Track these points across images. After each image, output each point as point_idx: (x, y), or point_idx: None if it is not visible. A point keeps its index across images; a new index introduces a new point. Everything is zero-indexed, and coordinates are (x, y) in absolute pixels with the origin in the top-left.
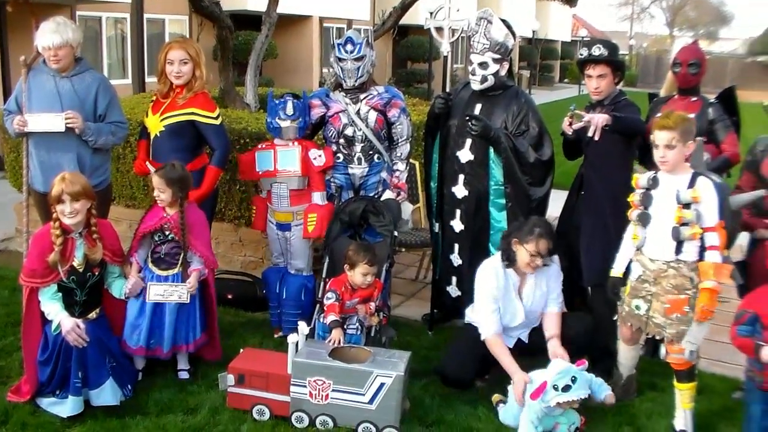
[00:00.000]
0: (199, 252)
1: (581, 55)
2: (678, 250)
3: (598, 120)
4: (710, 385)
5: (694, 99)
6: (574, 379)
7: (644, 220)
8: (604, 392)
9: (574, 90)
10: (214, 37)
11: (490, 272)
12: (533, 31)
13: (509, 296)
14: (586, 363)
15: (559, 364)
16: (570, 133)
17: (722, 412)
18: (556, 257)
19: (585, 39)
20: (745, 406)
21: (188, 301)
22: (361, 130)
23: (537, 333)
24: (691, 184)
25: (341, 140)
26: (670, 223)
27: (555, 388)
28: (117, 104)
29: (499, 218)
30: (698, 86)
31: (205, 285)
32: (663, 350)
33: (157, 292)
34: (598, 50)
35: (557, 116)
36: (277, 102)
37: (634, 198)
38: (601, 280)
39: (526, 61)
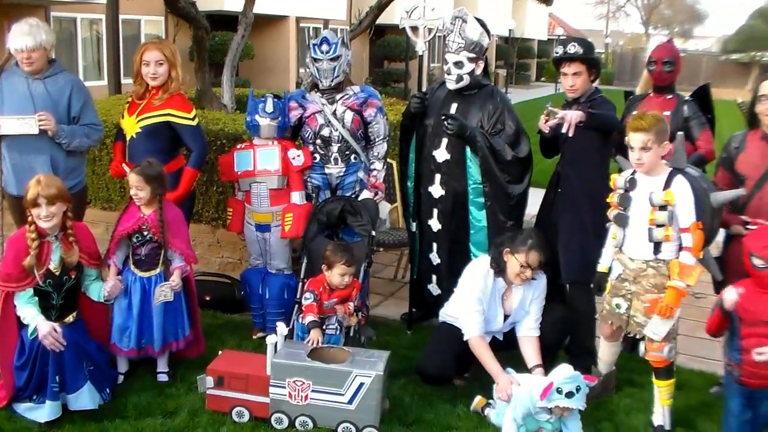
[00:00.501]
0: (179, 249)
1: (557, 53)
2: (657, 250)
3: (572, 116)
4: (688, 380)
5: (670, 97)
6: (578, 389)
7: (622, 221)
8: None
9: (550, 88)
10: (190, 37)
11: (478, 273)
12: (510, 30)
13: (493, 301)
14: (597, 380)
15: (567, 369)
16: (546, 131)
17: (700, 407)
18: (543, 277)
19: (561, 37)
20: (723, 401)
21: (172, 299)
22: (337, 130)
23: (512, 330)
24: (667, 185)
25: (318, 141)
26: (647, 224)
27: (558, 391)
28: (91, 106)
29: (479, 217)
30: (673, 84)
31: (186, 281)
32: (642, 347)
33: (158, 295)
34: (573, 48)
35: (534, 114)
36: (257, 100)
37: (613, 198)
38: (580, 277)
39: (502, 59)
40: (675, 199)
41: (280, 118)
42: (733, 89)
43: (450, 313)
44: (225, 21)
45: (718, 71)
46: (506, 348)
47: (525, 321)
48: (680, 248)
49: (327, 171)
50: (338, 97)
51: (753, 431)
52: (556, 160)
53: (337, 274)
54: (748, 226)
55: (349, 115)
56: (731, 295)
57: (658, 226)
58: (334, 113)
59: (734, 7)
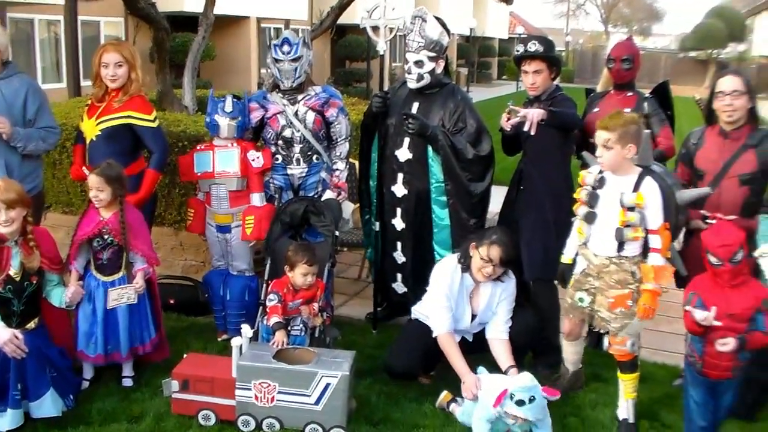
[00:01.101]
0: (141, 251)
1: (517, 51)
2: (620, 248)
3: (534, 114)
4: (652, 373)
5: (630, 94)
6: (532, 399)
7: (590, 219)
8: None
9: (512, 87)
10: (150, 39)
11: (447, 270)
12: (470, 29)
13: (460, 299)
14: (558, 396)
15: (526, 379)
16: (508, 129)
17: (664, 399)
18: (512, 281)
19: (522, 36)
20: (685, 393)
21: (136, 301)
22: (299, 131)
23: (482, 333)
24: (637, 187)
25: (280, 141)
26: (614, 223)
27: (511, 397)
28: (47, 109)
29: (442, 216)
30: (633, 81)
31: (149, 283)
32: (606, 342)
33: (113, 298)
34: (533, 46)
35: (496, 113)
36: (217, 100)
37: (581, 195)
38: (542, 275)
39: (464, 58)
40: (645, 201)
41: (240, 118)
42: (691, 86)
43: (421, 310)
44: (186, 22)
45: (677, 68)
46: (475, 351)
47: (494, 323)
48: (645, 247)
49: (289, 172)
50: (300, 97)
51: (714, 421)
52: (518, 157)
53: (299, 274)
54: (708, 221)
55: (310, 116)
56: (702, 315)
57: (628, 226)
58: (295, 114)
59: (691, 6)
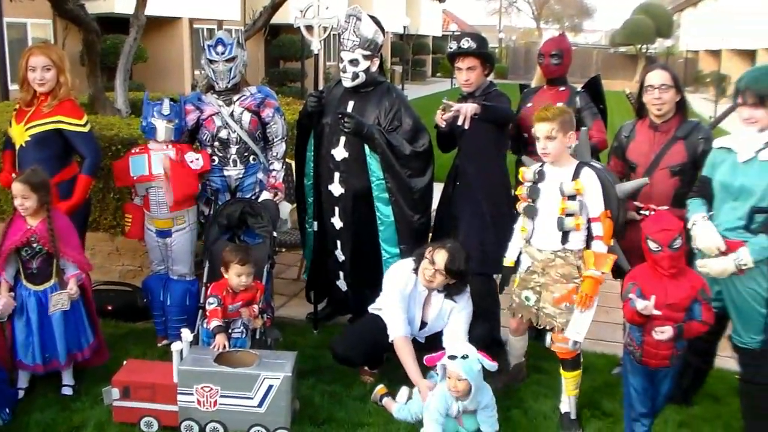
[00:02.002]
0: (71, 257)
1: (451, 48)
2: (564, 240)
3: (467, 109)
4: (591, 363)
5: (562, 89)
6: (465, 356)
7: (531, 212)
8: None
9: (446, 84)
10: (80, 41)
11: (401, 272)
12: (404, 27)
13: (413, 303)
14: (496, 365)
15: (464, 344)
16: (443, 126)
17: (604, 388)
18: (465, 299)
19: (455, 33)
20: (624, 381)
21: (68, 307)
22: (235, 132)
23: (435, 336)
24: (575, 176)
25: (216, 143)
26: (556, 215)
27: (450, 357)
28: None
29: (386, 213)
30: (564, 76)
31: (83, 289)
32: (548, 338)
33: (52, 303)
34: (466, 43)
35: (431, 110)
36: (152, 103)
37: (522, 191)
38: (480, 269)
39: (398, 56)
40: (584, 188)
41: (176, 121)
42: (622, 80)
43: (376, 309)
44: (116, 23)
45: (608, 63)
46: (425, 351)
47: (453, 337)
48: (589, 238)
49: (226, 173)
50: (235, 98)
51: (653, 408)
52: (454, 154)
53: (233, 275)
54: (641, 212)
55: (246, 116)
56: (642, 304)
57: (569, 215)
58: (231, 115)
59: (620, 2)
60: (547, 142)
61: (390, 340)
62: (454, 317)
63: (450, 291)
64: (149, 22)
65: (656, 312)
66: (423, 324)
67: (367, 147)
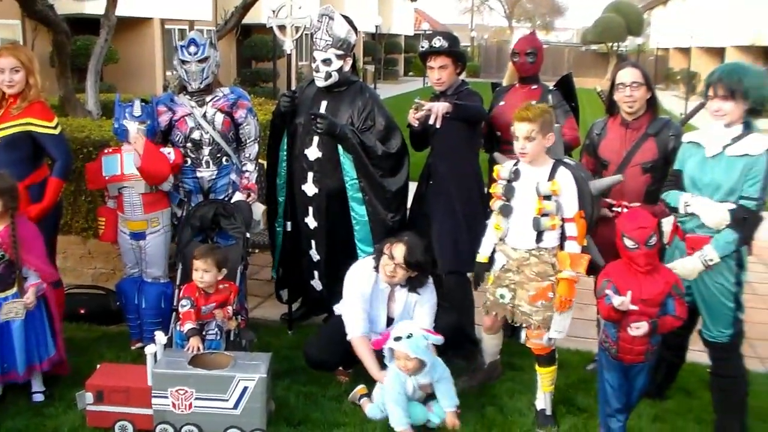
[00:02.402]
0: (34, 266)
1: (422, 47)
2: (539, 239)
3: (438, 107)
4: (566, 359)
5: (535, 87)
6: (409, 336)
7: (506, 211)
8: (448, 407)
9: (419, 83)
10: (49, 42)
11: (360, 272)
12: (376, 26)
13: (376, 301)
14: (441, 338)
15: (405, 322)
16: (416, 124)
17: (578, 384)
18: (429, 291)
19: (427, 32)
20: (599, 377)
21: (23, 317)
22: (208, 133)
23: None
24: (551, 176)
25: (188, 144)
26: (531, 214)
27: (396, 339)
28: None
29: (361, 212)
30: (537, 74)
31: (46, 301)
32: (523, 335)
33: (3, 312)
34: (438, 42)
35: (404, 109)
36: (124, 105)
37: (497, 189)
38: (453, 267)
39: (370, 56)
40: (560, 189)
41: (148, 122)
42: (594, 78)
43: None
44: (86, 24)
45: (580, 61)
46: None
47: None
48: (563, 237)
49: (199, 174)
50: (208, 99)
51: (628, 403)
52: (427, 152)
53: (194, 272)
54: (613, 209)
55: (219, 117)
56: (618, 300)
57: (544, 215)
58: (204, 116)
59: (592, 0)
60: (526, 142)
61: (348, 339)
62: (418, 311)
63: (413, 284)
64: (120, 22)
65: (633, 307)
66: (390, 320)
67: (340, 147)
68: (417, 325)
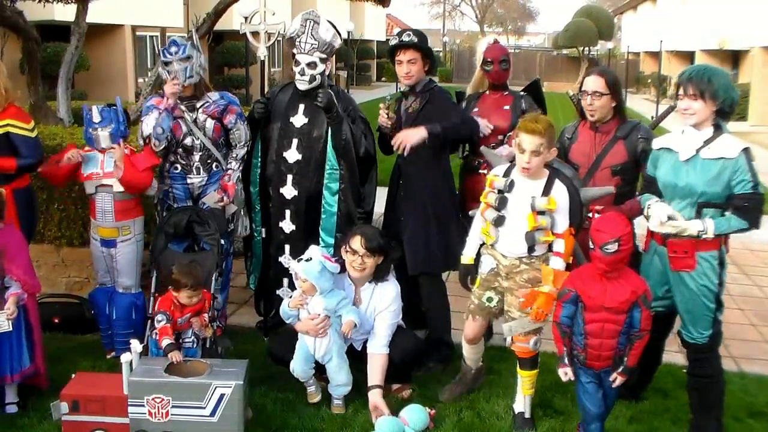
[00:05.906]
0: (16, 276)
1: (392, 42)
2: (531, 249)
3: (407, 138)
4: (543, 362)
5: (506, 93)
6: (308, 260)
7: (499, 222)
8: (347, 316)
9: (391, 88)
10: (19, 49)
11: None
12: (348, 32)
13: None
14: (338, 267)
15: (312, 249)
16: (386, 125)
17: (556, 387)
18: (390, 287)
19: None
20: (577, 382)
21: (10, 329)
22: (199, 139)
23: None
24: (547, 191)
25: (179, 150)
26: (524, 225)
27: (297, 260)
28: None
29: (331, 203)
30: (506, 81)
31: (26, 311)
32: (509, 339)
33: None
34: (407, 37)
35: (376, 114)
36: (87, 114)
37: (489, 199)
38: (426, 268)
39: (342, 61)
40: (557, 206)
41: (112, 125)
42: (566, 83)
43: None
44: (57, 31)
45: (552, 66)
46: (362, 358)
47: (374, 337)
48: (551, 249)
49: (189, 181)
50: (198, 104)
51: (605, 407)
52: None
53: (184, 296)
54: (587, 214)
55: (210, 124)
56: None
57: (539, 230)
58: (195, 121)
59: (562, 5)
60: (533, 156)
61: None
62: (377, 321)
63: (378, 273)
64: (91, 29)
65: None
66: None
67: (325, 147)
68: (320, 252)
